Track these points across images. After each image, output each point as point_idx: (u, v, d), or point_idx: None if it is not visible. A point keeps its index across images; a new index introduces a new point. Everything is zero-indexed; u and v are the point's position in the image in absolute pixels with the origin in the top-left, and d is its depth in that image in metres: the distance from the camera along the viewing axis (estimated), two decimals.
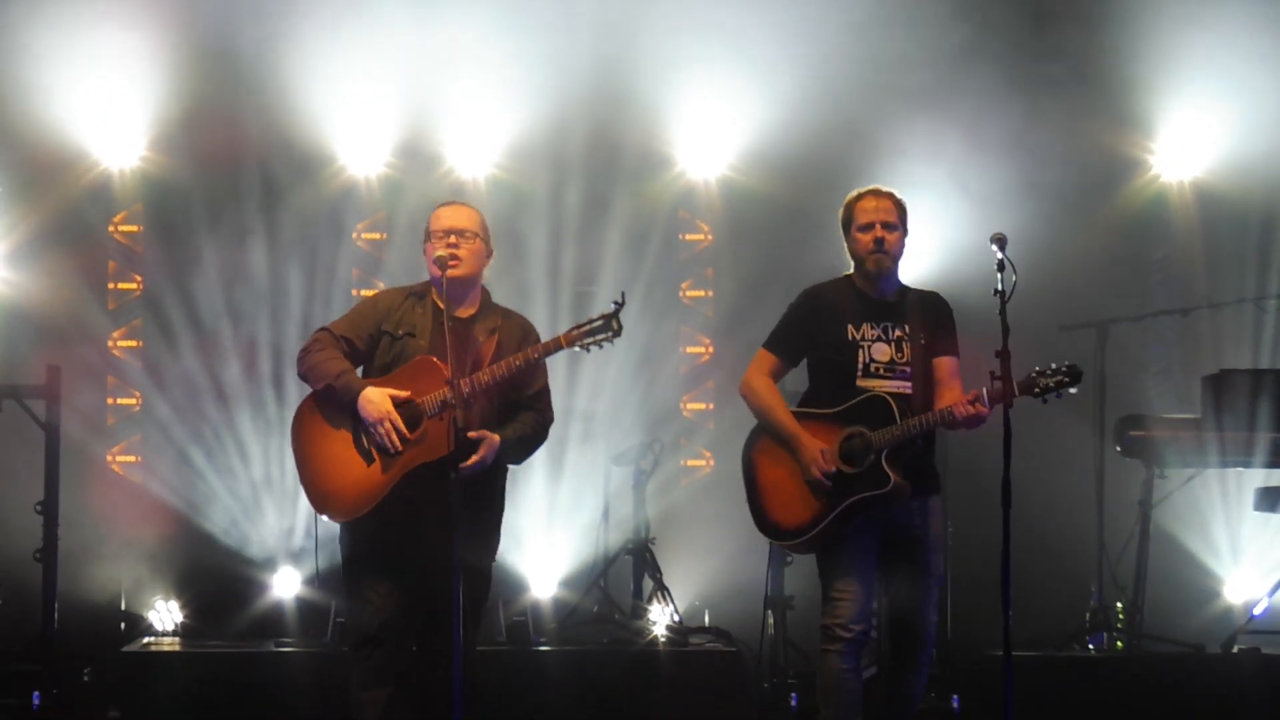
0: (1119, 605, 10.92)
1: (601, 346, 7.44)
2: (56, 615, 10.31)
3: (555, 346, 7.44)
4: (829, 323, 7.96)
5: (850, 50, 11.96)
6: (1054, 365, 7.51)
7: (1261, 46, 12.12)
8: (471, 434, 7.29)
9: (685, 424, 12.65)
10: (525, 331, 7.71)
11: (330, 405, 7.56)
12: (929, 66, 12.14)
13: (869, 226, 7.91)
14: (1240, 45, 12.07)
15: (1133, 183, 12.61)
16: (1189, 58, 12.06)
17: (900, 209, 7.98)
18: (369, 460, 7.45)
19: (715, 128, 12.43)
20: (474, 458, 7.30)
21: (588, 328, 7.43)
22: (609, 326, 7.40)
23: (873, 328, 7.91)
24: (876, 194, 7.98)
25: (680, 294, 12.71)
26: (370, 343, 7.66)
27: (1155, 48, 12.09)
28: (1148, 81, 12.26)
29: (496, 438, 7.42)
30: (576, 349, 7.47)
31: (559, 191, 12.36)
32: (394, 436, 7.36)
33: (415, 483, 7.36)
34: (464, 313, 7.60)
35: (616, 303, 7.40)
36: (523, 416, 7.64)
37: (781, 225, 12.24)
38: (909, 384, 7.85)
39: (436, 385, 7.35)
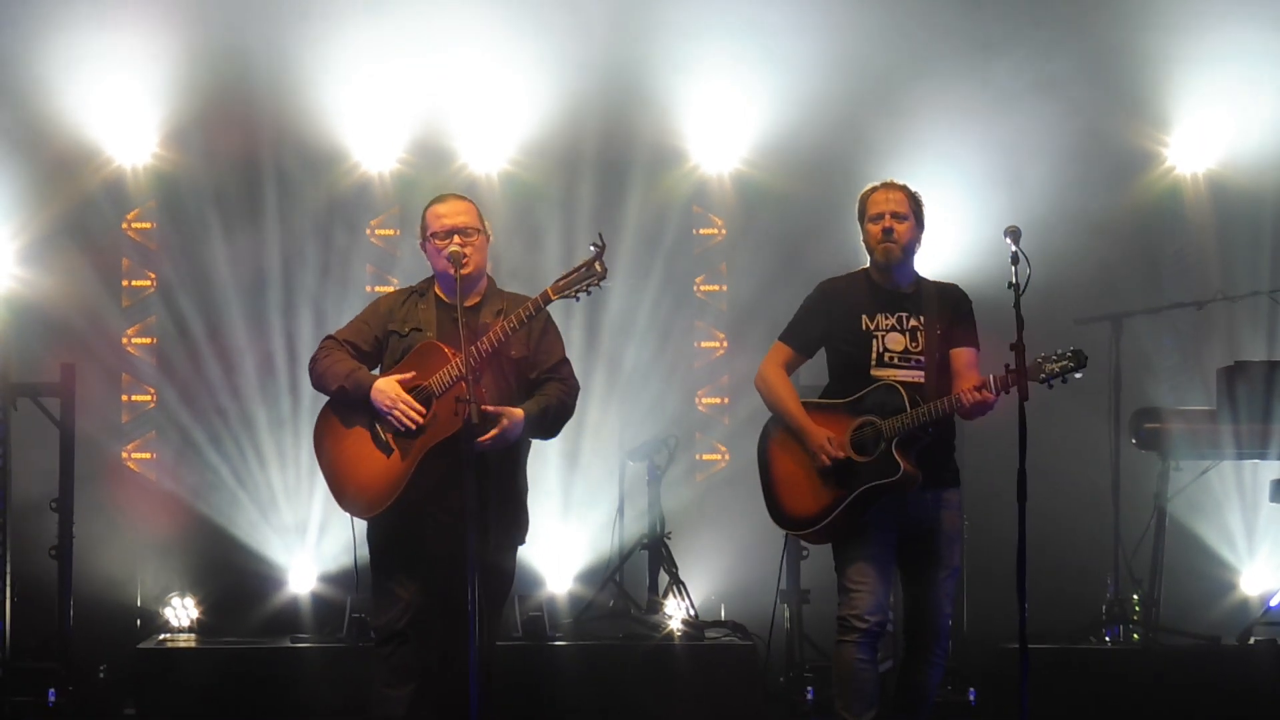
0: (1135, 598, 10.91)
1: (589, 293, 7.37)
2: (72, 612, 10.33)
3: (544, 300, 7.39)
4: (843, 314, 8.00)
5: (864, 44, 11.95)
6: (1059, 350, 7.52)
7: (1275, 39, 12.10)
8: (489, 408, 7.29)
9: (700, 419, 12.65)
10: None
11: (345, 408, 7.60)
12: (943, 61, 12.13)
13: (879, 217, 7.98)
14: (1254, 38, 12.05)
15: (1147, 175, 12.59)
16: (1203, 50, 12.05)
17: (913, 201, 8.04)
18: (388, 452, 7.46)
19: (729, 122, 12.43)
20: (493, 431, 7.30)
21: (573, 276, 7.37)
22: (592, 271, 7.33)
23: (887, 318, 7.95)
24: (889, 186, 8.06)
25: (694, 289, 12.70)
26: (376, 345, 7.70)
27: (1170, 40, 12.07)
28: (1162, 74, 12.24)
29: (518, 412, 7.41)
30: (568, 298, 7.39)
31: (572, 187, 12.36)
32: (411, 414, 7.37)
33: (437, 470, 7.37)
34: (470, 301, 7.60)
35: (595, 245, 7.36)
36: (546, 388, 7.64)
37: (795, 219, 12.24)
38: (922, 373, 7.87)
39: (442, 367, 7.38)
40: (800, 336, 8.15)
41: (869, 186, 8.11)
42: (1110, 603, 10.93)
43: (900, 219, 7.97)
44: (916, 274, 8.09)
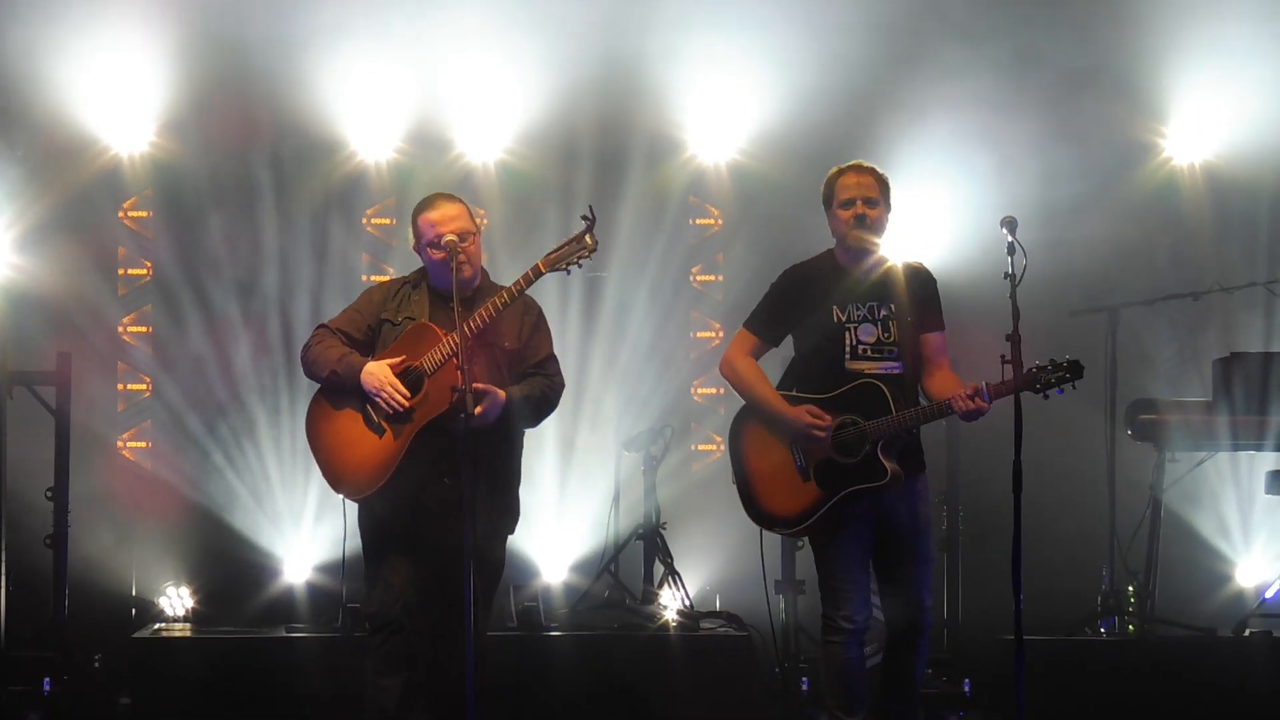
0: (1130, 589, 10.92)
1: (580, 265, 7.45)
2: (67, 602, 10.33)
3: (535, 274, 7.47)
4: (813, 304, 7.94)
5: (861, 34, 11.94)
6: (1054, 360, 7.49)
7: (1272, 30, 12.09)
8: (477, 385, 7.30)
9: (696, 409, 12.65)
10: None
11: (337, 392, 7.66)
12: (940, 52, 12.12)
13: (850, 203, 7.89)
14: (1251, 28, 12.04)
15: (1144, 166, 12.58)
16: (1200, 41, 12.04)
17: (882, 184, 7.95)
18: (380, 433, 7.53)
19: (726, 112, 12.42)
20: (479, 407, 7.30)
21: (564, 250, 7.44)
22: (582, 244, 7.40)
23: (858, 308, 7.88)
24: (858, 170, 7.96)
25: (690, 279, 12.70)
26: (368, 334, 7.75)
27: (1167, 31, 12.06)
28: (1159, 65, 12.23)
29: (501, 392, 7.45)
30: (559, 270, 7.48)
31: (569, 176, 12.35)
32: (397, 398, 7.42)
33: (428, 452, 7.44)
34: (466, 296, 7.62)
35: (586, 218, 7.41)
36: (530, 380, 7.69)
37: (792, 210, 12.19)
38: (898, 364, 7.85)
39: (434, 346, 7.45)
40: (767, 326, 8.09)
41: (835, 169, 8.01)
42: (1105, 594, 10.93)
43: (872, 204, 7.88)
44: (883, 257, 7.98)
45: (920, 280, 8.00)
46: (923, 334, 7.92)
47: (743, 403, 8.16)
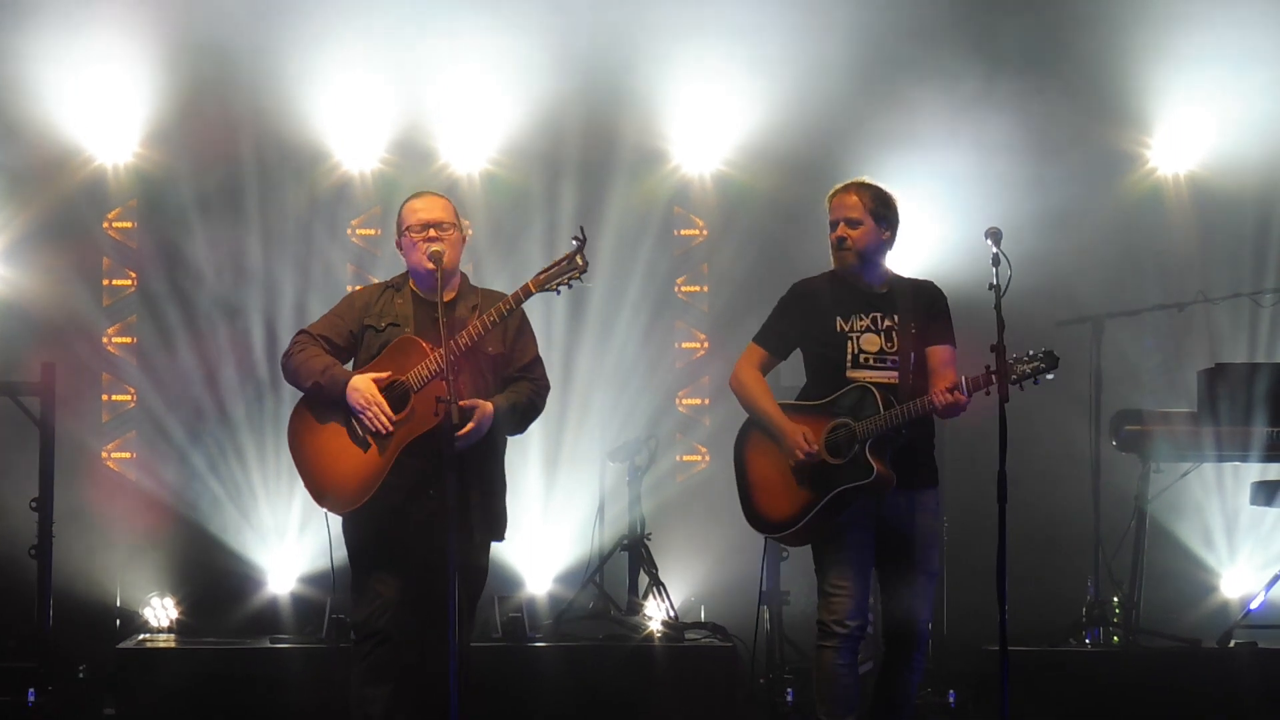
0: (1115, 600, 10.92)
1: (570, 286, 7.44)
2: (51, 612, 10.28)
3: (525, 293, 7.46)
4: (819, 316, 7.98)
5: (846, 45, 11.94)
6: (1030, 352, 7.50)
7: (1257, 40, 12.11)
8: (463, 403, 7.30)
9: (681, 419, 12.64)
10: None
11: (320, 403, 7.62)
12: (924, 62, 12.13)
13: (833, 225, 7.96)
14: (1236, 39, 12.06)
15: (1128, 176, 12.60)
16: (1185, 51, 12.06)
17: (867, 203, 7.93)
18: (365, 447, 7.48)
19: (710, 123, 12.42)
20: (469, 425, 7.32)
21: (553, 270, 7.44)
22: (573, 264, 7.40)
23: (861, 318, 7.92)
24: (844, 190, 8.01)
25: (675, 289, 12.69)
26: (351, 340, 7.72)
27: (1151, 41, 12.08)
28: (1143, 75, 12.25)
29: (489, 405, 7.44)
30: (549, 291, 7.47)
31: (553, 187, 12.35)
32: (382, 419, 7.40)
33: (414, 465, 7.40)
34: (445, 297, 7.60)
35: (577, 239, 7.41)
36: (517, 385, 7.67)
37: (776, 220, 12.24)
38: (897, 373, 7.85)
39: (420, 362, 7.40)
40: (774, 338, 8.14)
41: (831, 190, 8.07)
42: (1090, 605, 10.92)
43: (853, 225, 7.91)
44: (889, 272, 8.05)
45: (929, 295, 8.04)
46: (929, 347, 7.93)
47: (741, 416, 8.20)
